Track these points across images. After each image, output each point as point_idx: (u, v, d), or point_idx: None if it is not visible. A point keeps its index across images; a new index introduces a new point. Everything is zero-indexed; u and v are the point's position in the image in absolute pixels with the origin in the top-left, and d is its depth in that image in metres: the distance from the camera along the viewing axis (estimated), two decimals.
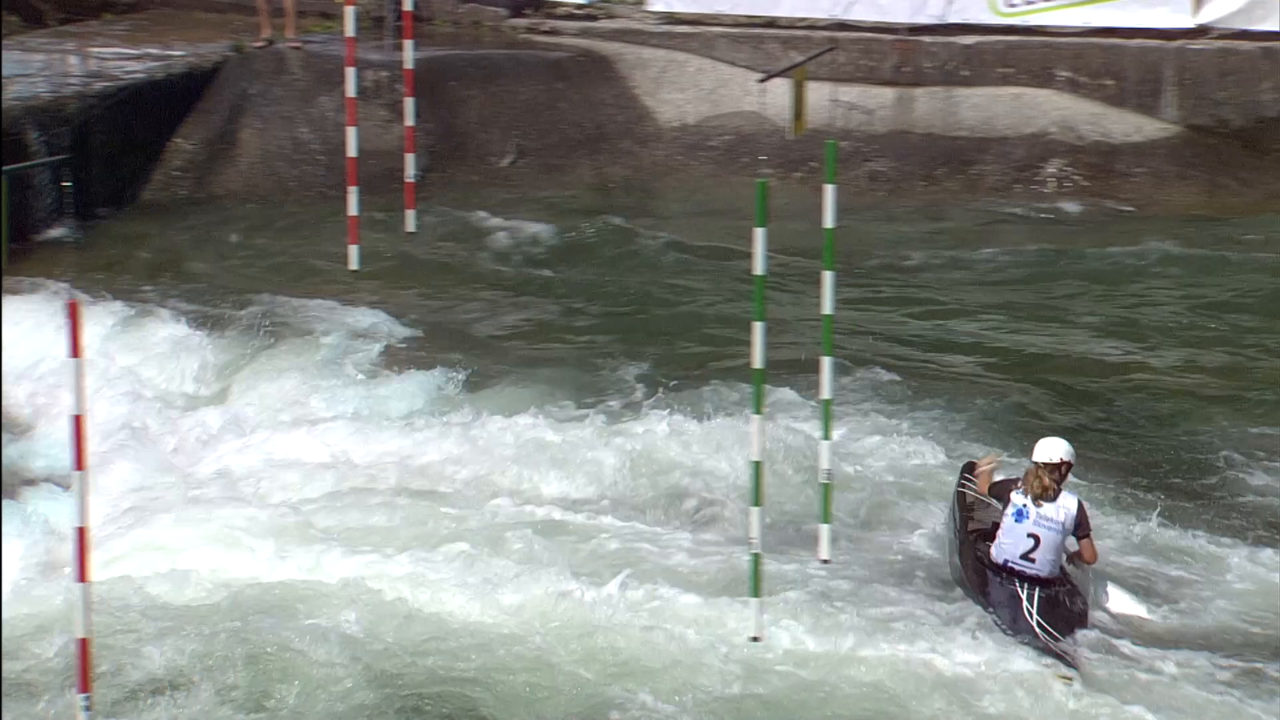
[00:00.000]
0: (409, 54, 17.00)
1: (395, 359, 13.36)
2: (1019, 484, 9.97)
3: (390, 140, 17.96)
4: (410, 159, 17.01)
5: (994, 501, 10.22)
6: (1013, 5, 19.40)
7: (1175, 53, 18.81)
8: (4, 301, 12.84)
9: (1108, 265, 16.65)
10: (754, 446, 9.16)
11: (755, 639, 9.04)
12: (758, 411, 9.20)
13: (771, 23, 19.86)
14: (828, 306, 9.83)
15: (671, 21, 20.16)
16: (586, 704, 8.64)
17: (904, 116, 19.22)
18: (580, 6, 21.04)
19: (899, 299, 15.86)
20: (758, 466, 9.18)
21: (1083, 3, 19.13)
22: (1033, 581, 9.81)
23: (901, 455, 11.69)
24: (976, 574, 10.00)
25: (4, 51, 17.48)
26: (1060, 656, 9.32)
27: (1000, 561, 9.94)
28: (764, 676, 8.79)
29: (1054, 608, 9.69)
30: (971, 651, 9.12)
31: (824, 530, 10.25)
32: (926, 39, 19.38)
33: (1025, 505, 9.85)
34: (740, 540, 9.76)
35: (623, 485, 11.22)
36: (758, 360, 9.13)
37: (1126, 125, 18.76)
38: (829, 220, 9.67)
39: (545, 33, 20.72)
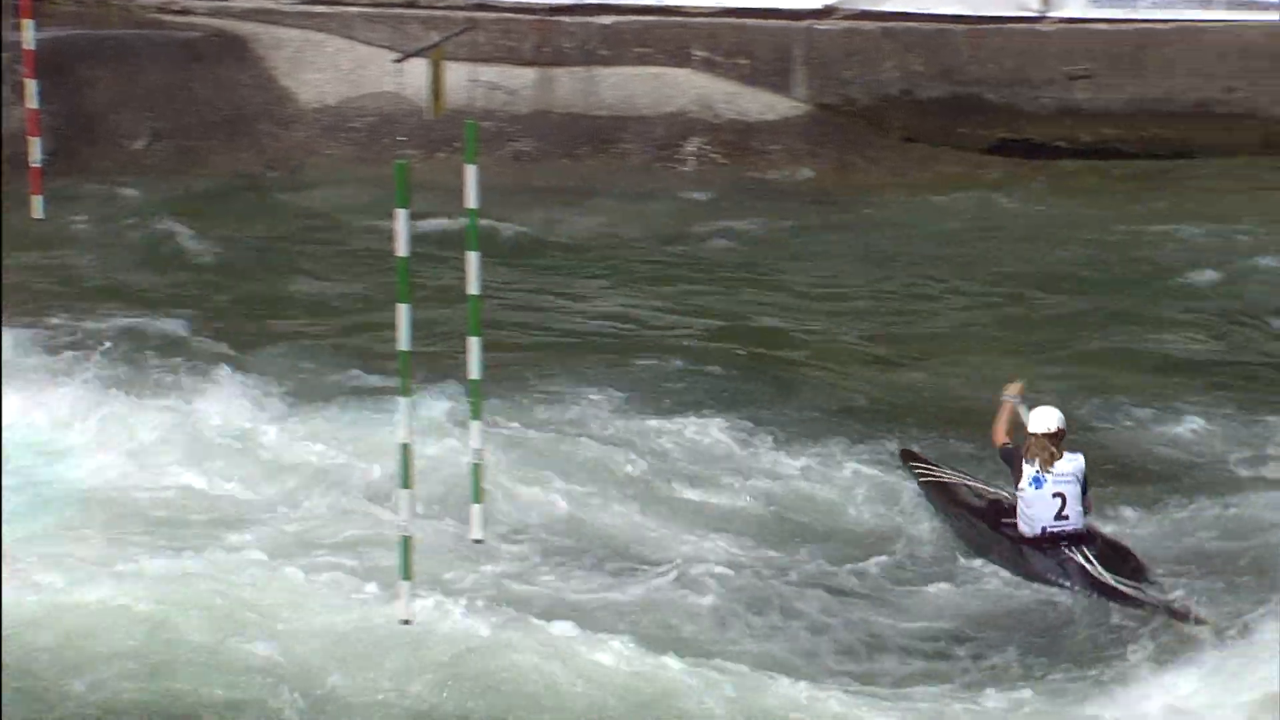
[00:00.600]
0: (29, 34, 16.33)
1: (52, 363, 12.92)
2: (1025, 453, 10.28)
3: (11, 123, 17.23)
4: (35, 143, 16.30)
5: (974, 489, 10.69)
6: None
7: (804, 33, 19.15)
8: None
9: (747, 239, 17.01)
10: (401, 428, 9.12)
11: (405, 621, 8.99)
12: (404, 393, 9.16)
13: (411, 2, 19.63)
14: (474, 287, 9.83)
15: (307, 1, 19.81)
16: (229, 692, 8.55)
17: (545, 96, 19.30)
18: None
19: (549, 278, 15.91)
20: (406, 448, 9.11)
21: None
22: (1076, 540, 10.15)
23: (556, 433, 11.75)
24: (1018, 555, 10.22)
25: None
26: (1164, 607, 9.61)
27: (1037, 532, 10.23)
28: (414, 659, 8.76)
29: (1113, 562, 10.01)
30: (629, 631, 9.25)
31: (476, 510, 10.17)
32: (565, 19, 19.43)
33: (1039, 472, 10.24)
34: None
35: (278, 466, 11.12)
36: (403, 342, 9.09)
37: (760, 104, 19.02)
38: (471, 200, 9.66)
39: (176, 12, 20.10)
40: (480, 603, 9.39)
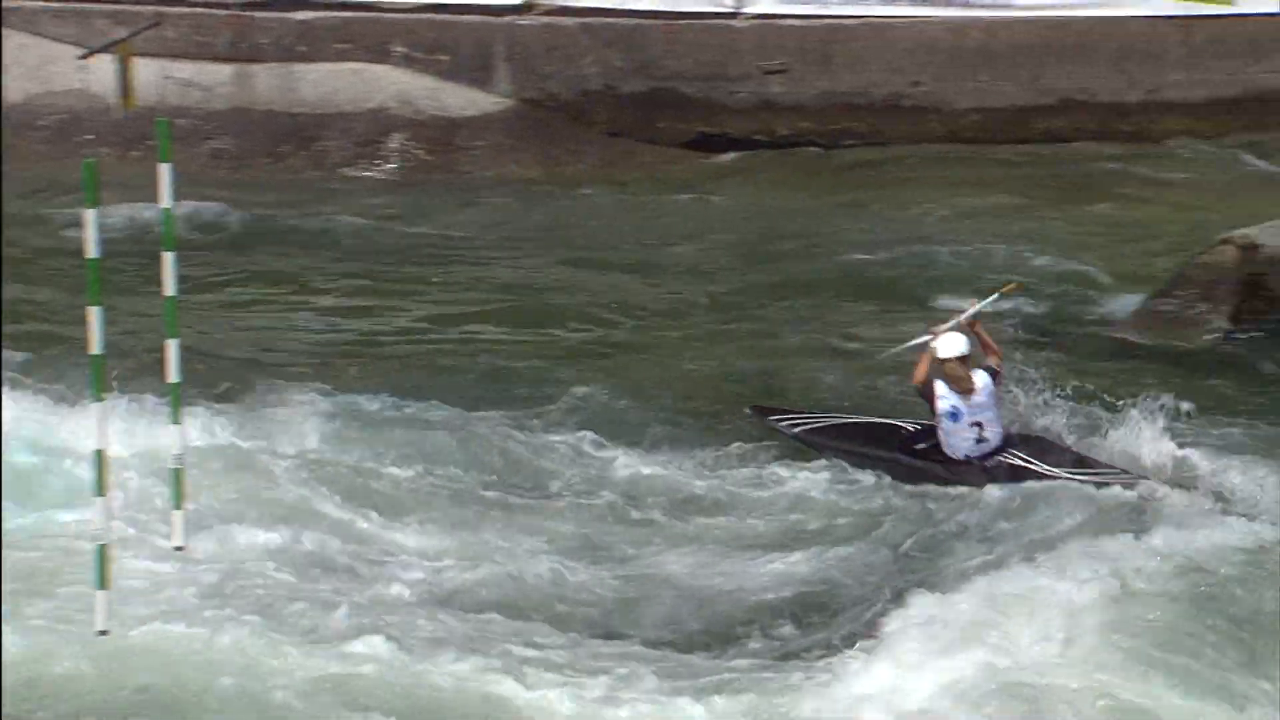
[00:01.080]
0: None
1: None
2: (941, 382, 10.45)
3: None
4: None
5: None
6: None
7: (504, 28, 19.15)
8: None
9: (455, 236, 16.73)
10: (96, 434, 8.85)
11: (102, 632, 8.79)
12: (98, 398, 8.89)
13: None
14: (170, 288, 9.60)
15: None
16: None
17: (243, 93, 19.05)
18: None
19: (249, 278, 15.63)
20: (100, 455, 8.87)
21: None
22: (1000, 450, 10.59)
23: (259, 437, 11.52)
24: (956, 474, 10.52)
25: None
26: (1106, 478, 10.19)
27: (961, 459, 10.62)
28: (112, 671, 8.61)
29: (1049, 455, 10.51)
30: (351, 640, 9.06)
31: (177, 516, 9.85)
32: (260, 14, 19.18)
33: (954, 405, 10.53)
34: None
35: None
36: (95, 346, 8.81)
37: (462, 99, 18.97)
38: (165, 200, 9.42)
39: None
40: (181, 610, 9.17)
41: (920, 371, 10.84)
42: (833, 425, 11.17)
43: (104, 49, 15.69)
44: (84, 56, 16.90)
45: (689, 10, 19.19)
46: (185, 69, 18.87)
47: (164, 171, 9.33)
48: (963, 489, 10.60)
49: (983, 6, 19.09)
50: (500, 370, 12.98)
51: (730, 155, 19.01)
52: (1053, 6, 18.93)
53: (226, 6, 19.20)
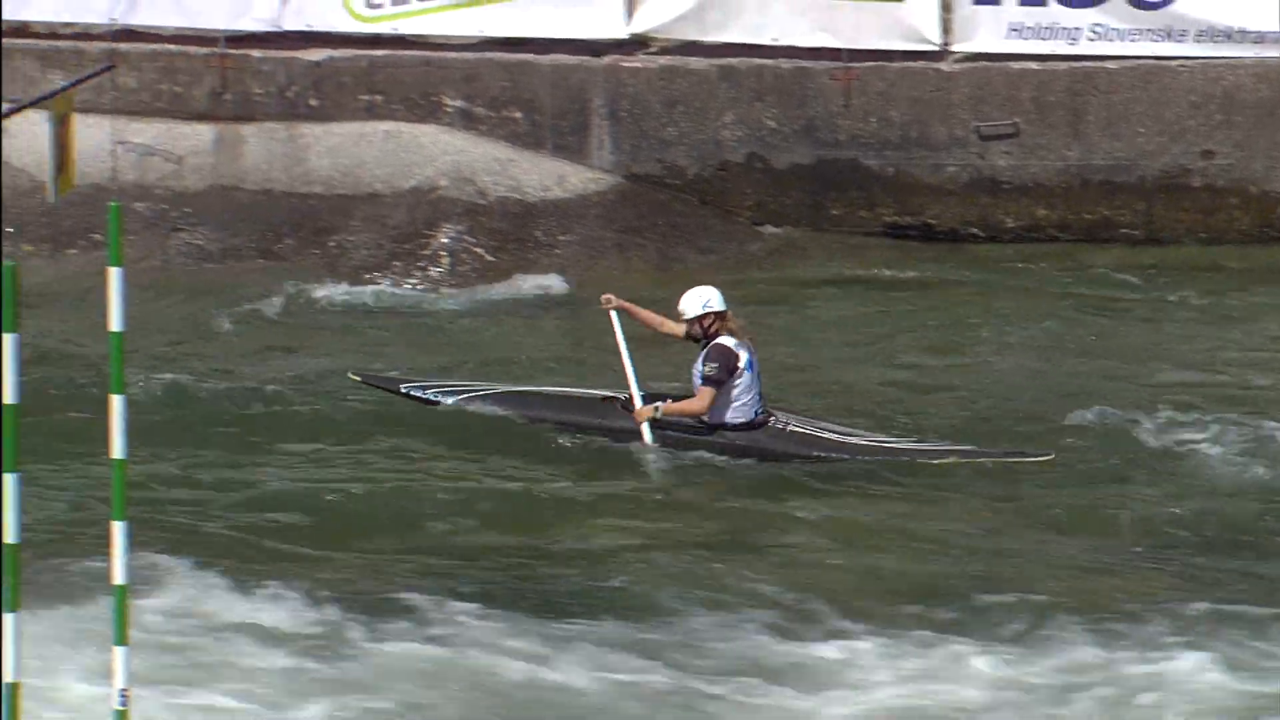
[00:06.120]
0: None
1: None
2: (726, 342, 13.10)
3: None
4: None
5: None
6: (376, 6, 19.07)
7: (605, 74, 19.02)
8: None
9: None
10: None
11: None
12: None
13: (21, 30, 19.21)
14: (119, 449, 8.67)
15: None
16: None
17: (229, 165, 18.96)
18: None
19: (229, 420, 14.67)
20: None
21: (472, 2, 19.06)
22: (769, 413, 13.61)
23: None
24: (748, 442, 13.17)
25: None
26: None
27: (752, 417, 13.29)
28: None
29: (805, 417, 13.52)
30: None
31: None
32: (255, 53, 19.04)
33: (750, 355, 13.30)
34: None
35: None
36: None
37: (544, 175, 18.83)
38: (116, 321, 8.55)
39: None
40: None
41: (660, 323, 13.56)
42: (512, 393, 13.05)
43: (34, 104, 15.06)
44: (7, 114, 16.20)
45: (874, 48, 18.78)
46: (146, 130, 18.81)
47: (115, 277, 8.59)
48: (745, 460, 12.92)
49: None
50: None
51: (932, 255, 18.58)
52: None
53: (209, 42, 18.84)
